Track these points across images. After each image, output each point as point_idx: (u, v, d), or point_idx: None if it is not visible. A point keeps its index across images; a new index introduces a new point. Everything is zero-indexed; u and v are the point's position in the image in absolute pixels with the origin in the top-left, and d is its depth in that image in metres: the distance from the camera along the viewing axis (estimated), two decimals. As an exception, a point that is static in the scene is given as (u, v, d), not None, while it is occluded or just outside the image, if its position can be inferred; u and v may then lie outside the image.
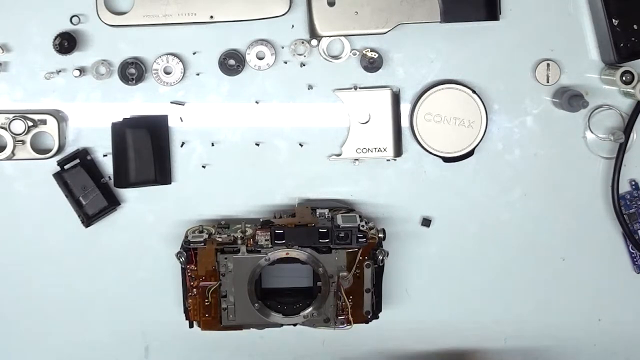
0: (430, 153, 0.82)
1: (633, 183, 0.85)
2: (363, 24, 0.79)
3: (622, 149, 0.82)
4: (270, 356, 0.87)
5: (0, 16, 0.80)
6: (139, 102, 0.82)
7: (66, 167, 0.82)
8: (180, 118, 0.83)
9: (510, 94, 0.83)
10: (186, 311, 0.80)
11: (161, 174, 0.81)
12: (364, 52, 0.82)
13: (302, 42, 0.81)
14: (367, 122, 0.82)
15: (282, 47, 0.82)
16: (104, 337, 0.86)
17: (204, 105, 0.82)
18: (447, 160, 0.82)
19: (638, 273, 0.86)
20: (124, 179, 0.81)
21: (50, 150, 0.81)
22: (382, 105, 0.82)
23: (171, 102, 0.82)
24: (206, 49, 0.81)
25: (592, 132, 0.84)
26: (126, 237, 0.84)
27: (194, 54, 0.82)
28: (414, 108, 0.82)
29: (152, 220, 0.84)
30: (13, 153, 0.81)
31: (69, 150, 0.82)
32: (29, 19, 0.80)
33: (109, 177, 0.82)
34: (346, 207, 0.83)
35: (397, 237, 0.84)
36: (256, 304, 0.80)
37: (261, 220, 0.80)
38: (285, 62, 0.82)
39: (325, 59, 0.82)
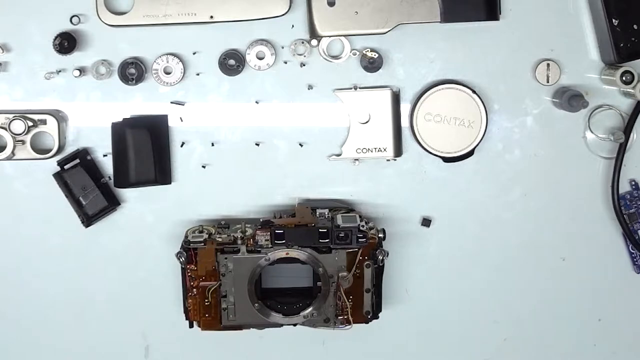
0: (430, 153, 0.82)
1: (633, 183, 0.85)
2: (363, 24, 0.79)
3: (622, 149, 0.82)
4: (270, 356, 0.87)
5: (0, 16, 0.80)
6: (139, 102, 0.82)
7: (66, 167, 0.81)
8: (180, 118, 0.83)
9: (510, 94, 0.83)
10: (186, 311, 0.80)
11: (161, 174, 0.81)
12: (364, 52, 0.82)
13: (302, 42, 0.81)
14: (367, 122, 0.82)
15: (282, 47, 0.82)
16: (104, 337, 0.86)
17: (204, 105, 0.82)
18: (447, 160, 0.82)
19: (638, 273, 0.86)
20: (124, 179, 0.81)
21: (50, 150, 0.81)
22: (382, 105, 0.82)
23: (171, 102, 0.82)
24: (206, 49, 0.81)
25: (592, 132, 0.84)
26: (126, 237, 0.84)
27: (194, 54, 0.82)
28: (414, 108, 0.82)
29: (152, 220, 0.84)
30: (13, 153, 0.81)
31: (69, 150, 0.82)
32: (29, 19, 0.80)
33: (109, 177, 0.82)
34: (346, 207, 0.83)
35: (397, 237, 0.84)
36: (256, 304, 0.80)
37: (261, 220, 0.80)
38: (285, 62, 0.82)
39: (325, 59, 0.82)
